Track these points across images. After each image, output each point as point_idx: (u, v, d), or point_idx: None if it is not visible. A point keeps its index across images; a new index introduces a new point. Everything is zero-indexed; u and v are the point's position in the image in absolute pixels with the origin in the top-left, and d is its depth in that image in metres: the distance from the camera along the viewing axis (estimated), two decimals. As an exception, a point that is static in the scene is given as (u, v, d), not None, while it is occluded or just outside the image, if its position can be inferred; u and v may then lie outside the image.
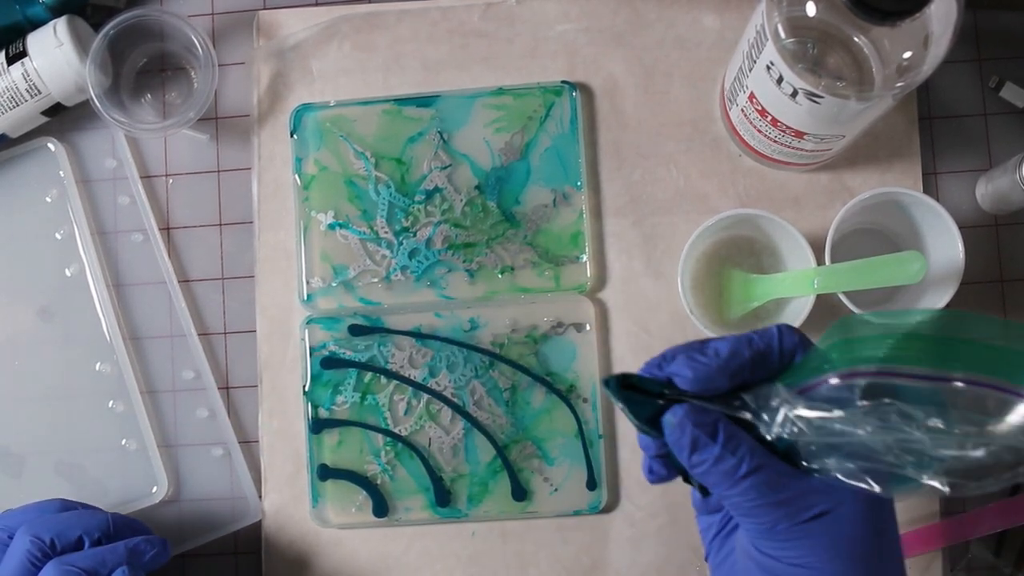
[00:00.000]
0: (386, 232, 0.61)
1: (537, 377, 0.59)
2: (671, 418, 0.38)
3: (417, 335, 0.60)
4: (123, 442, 0.61)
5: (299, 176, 0.62)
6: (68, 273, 0.62)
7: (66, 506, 0.55)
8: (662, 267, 0.60)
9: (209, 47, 0.60)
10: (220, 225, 0.63)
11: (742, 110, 0.54)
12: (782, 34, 0.46)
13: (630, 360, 0.60)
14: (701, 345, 0.39)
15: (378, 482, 0.60)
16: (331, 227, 0.61)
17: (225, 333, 0.62)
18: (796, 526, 0.37)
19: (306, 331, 0.60)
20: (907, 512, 0.58)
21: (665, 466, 0.42)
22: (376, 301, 0.61)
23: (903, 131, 0.60)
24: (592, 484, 0.59)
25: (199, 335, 0.62)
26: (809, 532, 0.37)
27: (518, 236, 0.60)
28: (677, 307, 0.59)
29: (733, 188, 0.60)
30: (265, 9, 0.63)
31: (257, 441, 0.61)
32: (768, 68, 0.48)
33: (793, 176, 0.60)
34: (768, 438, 0.37)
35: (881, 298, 0.59)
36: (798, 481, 0.38)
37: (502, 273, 0.60)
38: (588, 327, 0.60)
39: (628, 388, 0.39)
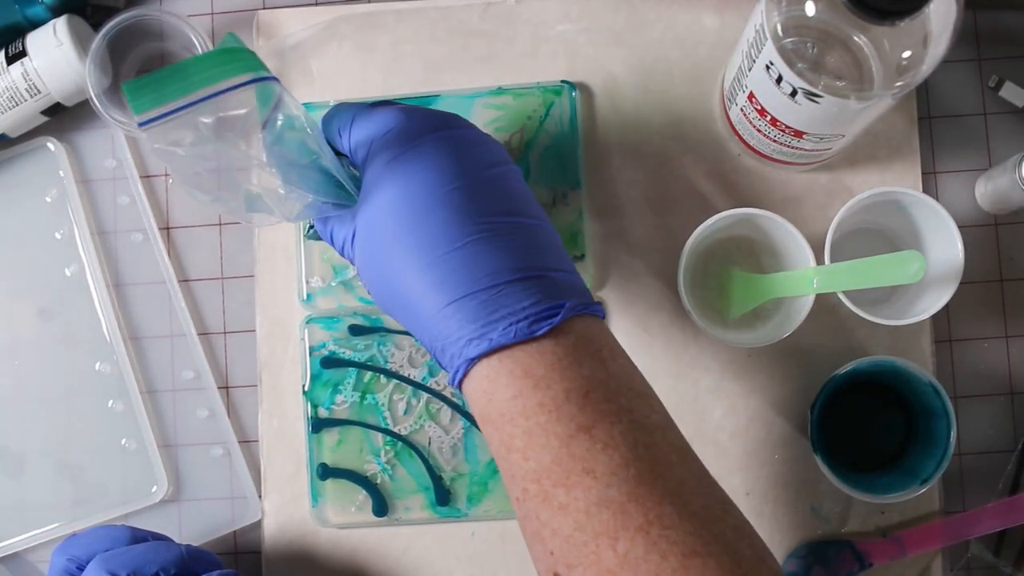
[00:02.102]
0: (386, 232, 0.61)
1: (537, 377, 0.59)
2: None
3: (417, 335, 0.60)
4: (123, 442, 0.61)
5: (299, 176, 0.62)
6: (68, 273, 0.62)
7: (136, 535, 0.54)
8: (662, 267, 0.60)
9: (209, 47, 0.60)
10: (220, 225, 0.63)
11: (742, 110, 0.54)
12: (781, 34, 0.46)
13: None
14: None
15: (378, 482, 0.60)
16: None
17: (225, 333, 0.62)
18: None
19: (306, 331, 0.60)
20: (907, 512, 0.58)
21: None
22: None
23: (903, 131, 0.60)
24: (592, 484, 0.59)
25: (199, 335, 0.62)
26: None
27: (518, 236, 0.60)
28: (677, 307, 0.59)
29: (733, 188, 0.60)
30: (265, 9, 0.63)
31: (257, 441, 0.61)
32: (767, 68, 0.48)
33: (793, 176, 0.60)
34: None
35: (880, 297, 0.59)
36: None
37: (502, 273, 0.60)
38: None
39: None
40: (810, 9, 0.45)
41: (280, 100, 0.40)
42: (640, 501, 0.36)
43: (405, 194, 0.41)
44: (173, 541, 0.55)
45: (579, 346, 0.39)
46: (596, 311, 0.41)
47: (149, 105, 0.37)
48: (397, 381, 0.60)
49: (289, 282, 0.61)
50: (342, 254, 0.46)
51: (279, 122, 0.40)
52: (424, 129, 0.43)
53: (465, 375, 0.41)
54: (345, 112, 0.46)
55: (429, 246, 0.40)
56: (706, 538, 0.36)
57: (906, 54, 0.46)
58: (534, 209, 0.43)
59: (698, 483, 0.38)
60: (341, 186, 0.43)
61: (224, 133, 0.38)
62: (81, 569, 0.51)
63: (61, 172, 0.63)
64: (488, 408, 0.40)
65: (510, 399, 0.39)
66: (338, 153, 0.47)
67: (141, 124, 0.38)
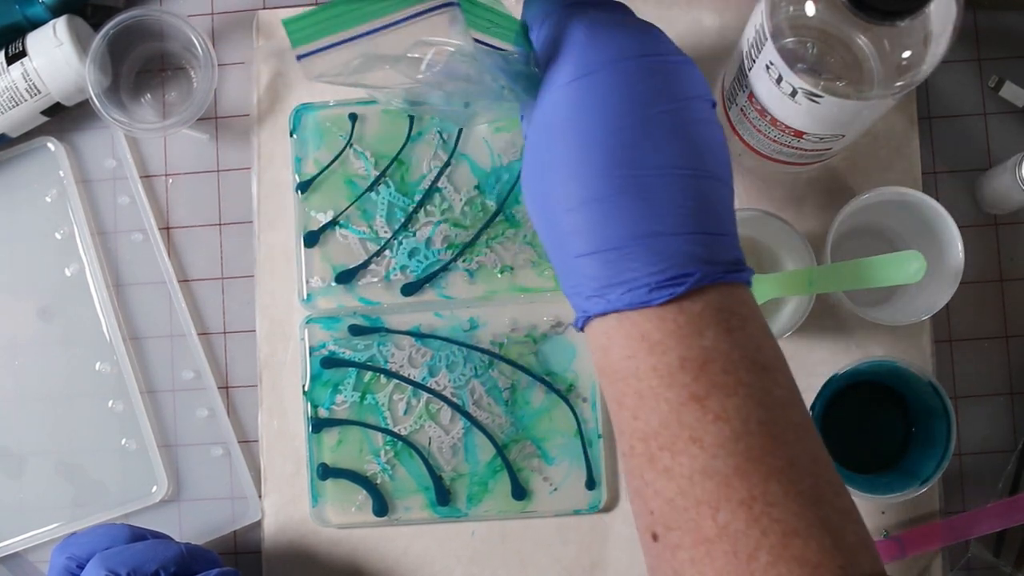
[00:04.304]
0: (385, 232, 0.61)
1: (537, 376, 0.59)
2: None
3: (417, 335, 0.60)
4: (123, 442, 0.61)
5: (299, 176, 0.62)
6: (68, 273, 0.62)
7: (135, 533, 0.54)
8: (662, 267, 0.60)
9: (209, 47, 0.60)
10: (220, 225, 0.63)
11: (742, 110, 0.54)
12: (782, 34, 0.46)
13: (630, 360, 0.60)
14: None
15: (378, 481, 0.60)
16: (330, 227, 0.61)
17: (225, 333, 0.62)
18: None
19: (306, 331, 0.60)
20: (907, 512, 0.58)
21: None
22: (376, 301, 0.61)
23: (903, 131, 0.60)
24: (591, 484, 0.59)
25: (199, 335, 0.62)
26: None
27: (518, 236, 0.60)
28: (677, 307, 0.59)
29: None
30: (265, 9, 0.63)
31: (257, 441, 0.61)
32: (767, 68, 0.48)
33: (793, 176, 0.60)
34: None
35: (881, 298, 0.59)
36: None
37: (502, 272, 0.60)
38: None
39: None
40: (810, 9, 0.45)
41: (450, 27, 0.38)
42: (746, 475, 0.36)
43: (568, 126, 0.39)
44: (172, 539, 0.55)
45: (705, 315, 0.37)
46: (738, 279, 0.39)
47: (307, 39, 0.37)
48: (397, 381, 0.60)
49: (289, 282, 0.61)
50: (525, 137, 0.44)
51: (445, 54, 0.38)
52: (608, 56, 0.39)
53: (584, 325, 0.40)
54: (539, 10, 0.42)
55: (573, 192, 0.38)
56: (810, 519, 0.35)
57: (906, 54, 0.46)
58: (708, 158, 0.39)
59: (811, 463, 0.37)
60: (511, 91, 0.41)
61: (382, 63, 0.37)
62: (81, 568, 0.51)
63: (61, 172, 0.63)
64: (603, 362, 0.39)
65: (625, 358, 0.38)
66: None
67: (299, 57, 0.37)
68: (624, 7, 0.43)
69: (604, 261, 0.38)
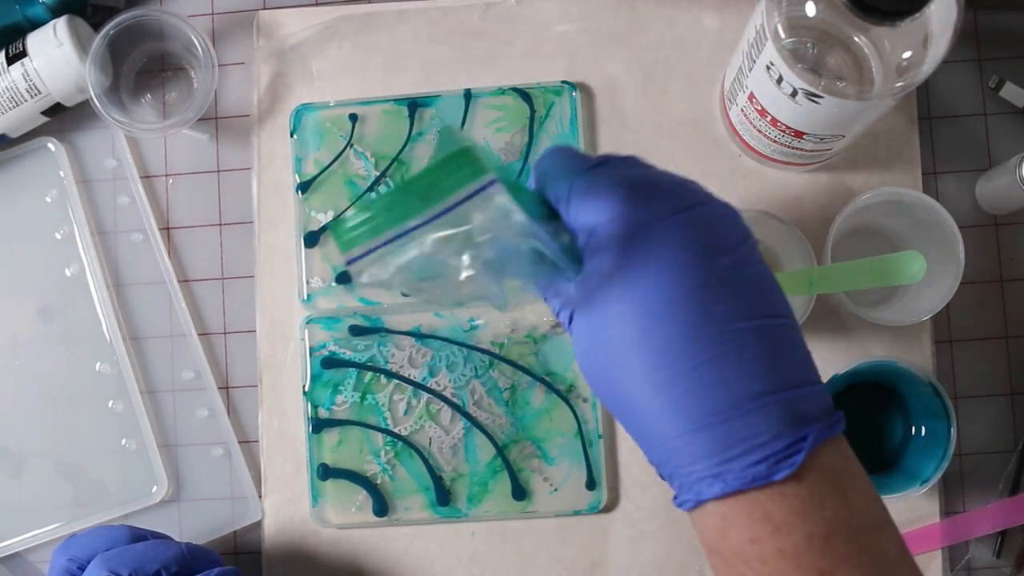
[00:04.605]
0: (386, 232, 0.61)
1: (537, 377, 0.59)
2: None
3: (417, 335, 0.60)
4: (123, 442, 0.61)
5: (299, 176, 0.62)
6: (68, 273, 0.62)
7: (136, 534, 0.54)
8: (662, 267, 0.60)
9: (209, 47, 0.60)
10: (220, 225, 0.63)
11: (742, 110, 0.54)
12: (782, 34, 0.46)
13: (630, 360, 0.60)
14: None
15: (378, 482, 0.60)
16: (331, 227, 0.61)
17: (225, 333, 0.62)
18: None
19: (306, 331, 0.60)
20: (907, 512, 0.58)
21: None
22: (376, 301, 0.61)
23: (903, 131, 0.60)
24: (592, 484, 0.59)
25: (199, 335, 0.62)
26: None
27: (518, 236, 0.60)
28: (677, 307, 0.59)
29: (733, 188, 0.60)
30: (265, 9, 0.63)
31: (257, 441, 0.61)
32: (768, 68, 0.48)
33: (793, 176, 0.60)
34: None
35: (881, 298, 0.59)
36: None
37: (502, 273, 0.60)
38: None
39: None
40: (810, 9, 0.45)
41: (492, 204, 0.35)
42: None
43: (631, 303, 0.36)
44: (173, 539, 0.55)
45: (822, 483, 0.35)
46: (837, 430, 0.37)
47: (355, 244, 0.35)
48: (397, 381, 0.60)
49: (289, 282, 0.61)
50: (557, 317, 0.41)
51: (491, 230, 0.35)
52: (652, 216, 0.36)
53: (695, 507, 0.37)
54: (562, 180, 0.39)
55: (657, 367, 0.35)
56: None
57: (906, 54, 0.46)
58: (776, 301, 0.37)
59: None
60: (556, 266, 0.38)
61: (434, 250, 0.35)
62: (82, 569, 0.51)
63: (61, 172, 0.63)
64: (720, 545, 0.37)
65: (747, 542, 0.36)
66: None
67: (348, 263, 0.35)
68: (642, 161, 0.40)
69: (713, 436, 0.35)
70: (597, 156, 0.41)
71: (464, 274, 0.35)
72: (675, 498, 0.37)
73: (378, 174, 0.61)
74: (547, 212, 0.40)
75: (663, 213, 0.36)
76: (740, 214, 0.39)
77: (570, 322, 0.39)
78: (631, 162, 0.40)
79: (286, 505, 0.60)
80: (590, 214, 0.37)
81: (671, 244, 0.36)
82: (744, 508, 0.35)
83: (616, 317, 0.36)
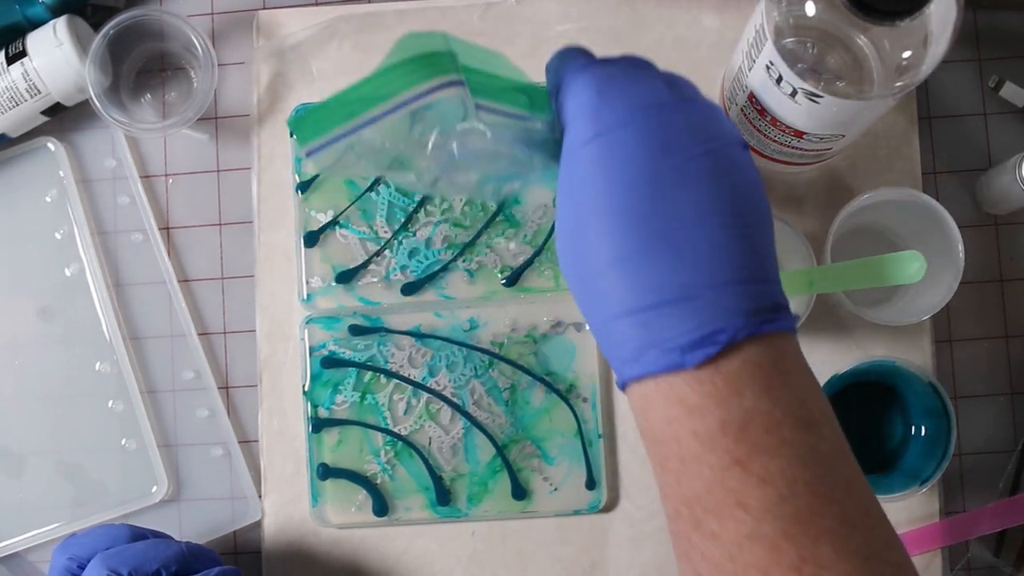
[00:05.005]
0: (385, 232, 0.61)
1: (537, 377, 0.59)
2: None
3: (417, 335, 0.60)
4: (123, 442, 0.61)
5: (299, 176, 0.62)
6: (68, 273, 0.62)
7: (136, 533, 0.54)
8: (662, 267, 0.60)
9: (209, 47, 0.60)
10: (220, 225, 0.63)
11: (742, 110, 0.54)
12: (782, 34, 0.46)
13: (630, 360, 0.60)
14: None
15: (378, 482, 0.60)
16: (330, 227, 0.61)
17: (225, 333, 0.62)
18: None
19: (306, 331, 0.60)
20: (907, 512, 0.58)
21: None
22: (376, 301, 0.61)
23: (903, 131, 0.60)
24: (591, 484, 0.59)
25: (199, 335, 0.62)
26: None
27: (518, 236, 0.60)
28: (677, 307, 0.59)
29: (733, 188, 0.60)
30: (265, 9, 0.63)
31: (257, 441, 0.61)
32: (768, 68, 0.48)
33: (793, 176, 0.60)
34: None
35: (881, 298, 0.59)
36: None
37: (502, 273, 0.60)
38: (588, 326, 0.60)
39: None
40: (810, 9, 0.45)
41: (456, 107, 0.37)
42: (794, 539, 0.35)
43: (591, 185, 0.38)
44: (173, 539, 0.55)
45: (743, 373, 0.36)
46: (780, 327, 0.37)
47: (312, 136, 0.36)
48: (397, 381, 0.60)
49: (289, 282, 0.61)
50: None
51: (453, 133, 0.37)
52: (632, 106, 0.38)
53: (624, 387, 0.39)
54: (559, 72, 0.41)
55: (602, 252, 0.37)
56: None
57: (906, 54, 0.46)
58: (741, 203, 0.38)
59: (863, 518, 0.36)
60: (535, 157, 0.40)
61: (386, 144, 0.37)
62: (82, 568, 0.51)
63: (61, 172, 0.63)
64: (644, 425, 0.38)
65: (664, 422, 0.37)
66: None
67: (308, 153, 0.36)
68: (644, 61, 0.42)
69: (637, 323, 0.36)
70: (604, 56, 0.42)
71: (430, 146, 0.37)
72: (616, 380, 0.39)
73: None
74: (547, 107, 0.42)
75: (634, 106, 0.38)
76: (729, 121, 0.40)
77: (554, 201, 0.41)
78: (624, 62, 0.41)
79: (286, 505, 0.60)
80: (569, 108, 0.40)
81: (634, 135, 0.38)
82: (661, 391, 0.37)
83: (580, 198, 0.38)
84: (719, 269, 0.36)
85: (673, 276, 0.36)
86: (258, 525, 0.60)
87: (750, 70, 0.50)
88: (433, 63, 0.37)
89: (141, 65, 0.64)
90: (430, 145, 0.37)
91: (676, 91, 0.40)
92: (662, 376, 0.36)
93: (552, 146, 0.40)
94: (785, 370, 0.37)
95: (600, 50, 0.61)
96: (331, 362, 0.60)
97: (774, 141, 0.54)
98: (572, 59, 0.42)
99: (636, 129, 0.38)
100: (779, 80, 0.47)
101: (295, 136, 0.37)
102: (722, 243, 0.37)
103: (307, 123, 0.37)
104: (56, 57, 0.59)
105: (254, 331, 0.62)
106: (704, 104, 0.40)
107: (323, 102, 0.37)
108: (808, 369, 0.38)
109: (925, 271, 0.49)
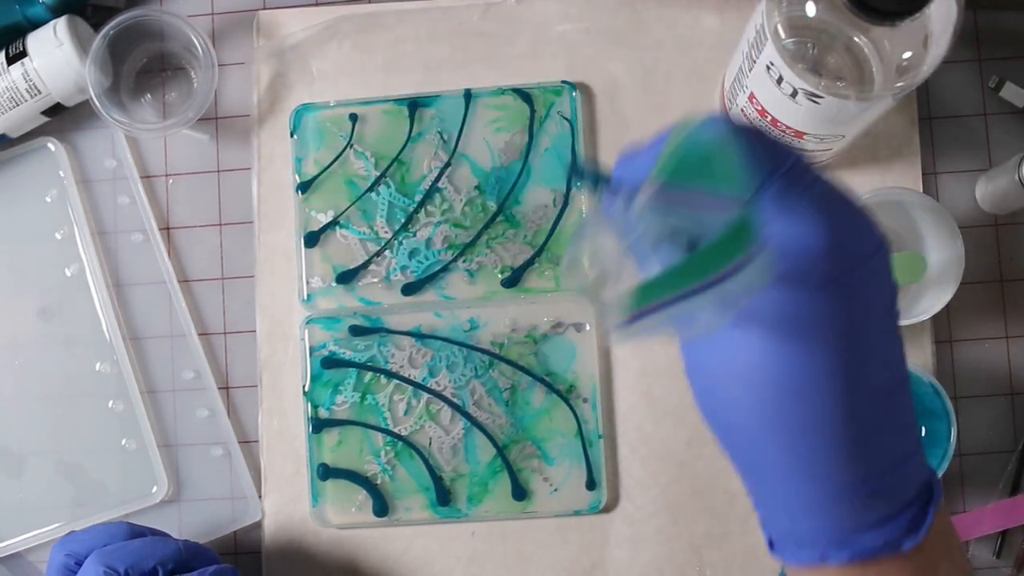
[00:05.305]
0: (386, 232, 0.61)
1: (537, 377, 0.59)
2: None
3: (417, 335, 0.60)
4: (123, 442, 0.61)
5: (299, 176, 0.62)
6: (68, 273, 0.62)
7: (134, 531, 0.54)
8: (662, 267, 0.60)
9: (209, 47, 0.60)
10: (220, 225, 0.63)
11: (742, 110, 0.54)
12: (782, 34, 0.46)
13: (631, 360, 0.60)
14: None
15: (378, 482, 0.60)
16: (331, 227, 0.61)
17: (225, 333, 0.62)
18: None
19: (306, 331, 0.60)
20: (907, 512, 0.58)
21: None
22: (376, 301, 0.61)
23: (903, 131, 0.60)
24: (591, 484, 0.59)
25: (199, 335, 0.62)
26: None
27: (518, 236, 0.60)
28: (677, 307, 0.59)
29: (733, 188, 0.60)
30: (265, 9, 0.63)
31: (257, 441, 0.61)
32: (768, 68, 0.48)
33: (793, 176, 0.60)
34: None
35: (881, 298, 0.59)
36: None
37: (502, 273, 0.60)
38: (588, 327, 0.60)
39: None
40: (810, 9, 0.45)
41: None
42: None
43: (825, 334, 0.32)
44: (171, 536, 0.55)
45: (936, 546, 0.35)
46: (941, 493, 0.36)
47: (641, 303, 0.32)
48: (397, 381, 0.60)
49: (289, 282, 0.61)
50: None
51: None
52: (863, 252, 0.33)
53: (809, 565, 0.36)
54: (751, 172, 0.33)
55: (794, 432, 0.33)
56: None
57: (906, 54, 0.46)
58: (902, 366, 0.35)
59: None
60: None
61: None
62: (79, 565, 0.51)
63: (61, 172, 0.63)
64: None
65: None
66: None
67: (626, 322, 0.32)
68: (824, 175, 0.36)
69: (845, 508, 0.34)
70: (785, 152, 0.35)
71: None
72: (772, 546, 0.36)
73: (378, 174, 0.61)
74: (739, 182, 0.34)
75: (866, 253, 0.33)
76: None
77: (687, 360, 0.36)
78: (825, 183, 0.35)
79: (286, 505, 0.60)
80: (795, 230, 0.32)
81: (869, 286, 0.33)
82: (869, 574, 0.35)
83: (816, 333, 0.33)
84: (905, 442, 0.35)
85: (892, 452, 0.34)
86: (258, 525, 0.60)
87: (750, 70, 0.50)
88: (744, 231, 0.31)
89: (141, 65, 0.64)
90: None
91: (875, 227, 0.35)
92: (870, 561, 0.34)
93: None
94: (954, 533, 0.37)
95: (601, 50, 0.62)
96: (331, 362, 0.60)
97: (774, 141, 0.54)
98: (775, 155, 0.34)
99: (868, 280, 0.33)
100: (779, 80, 0.47)
101: (633, 302, 0.33)
102: (902, 415, 0.35)
103: (646, 292, 0.32)
104: (56, 57, 0.59)
105: (254, 331, 0.62)
106: (884, 238, 0.35)
107: (659, 277, 0.33)
108: (955, 529, 0.38)
109: (925, 271, 0.49)
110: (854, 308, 0.33)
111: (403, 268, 0.61)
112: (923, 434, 0.56)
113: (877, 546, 0.34)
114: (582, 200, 0.60)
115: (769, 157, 0.33)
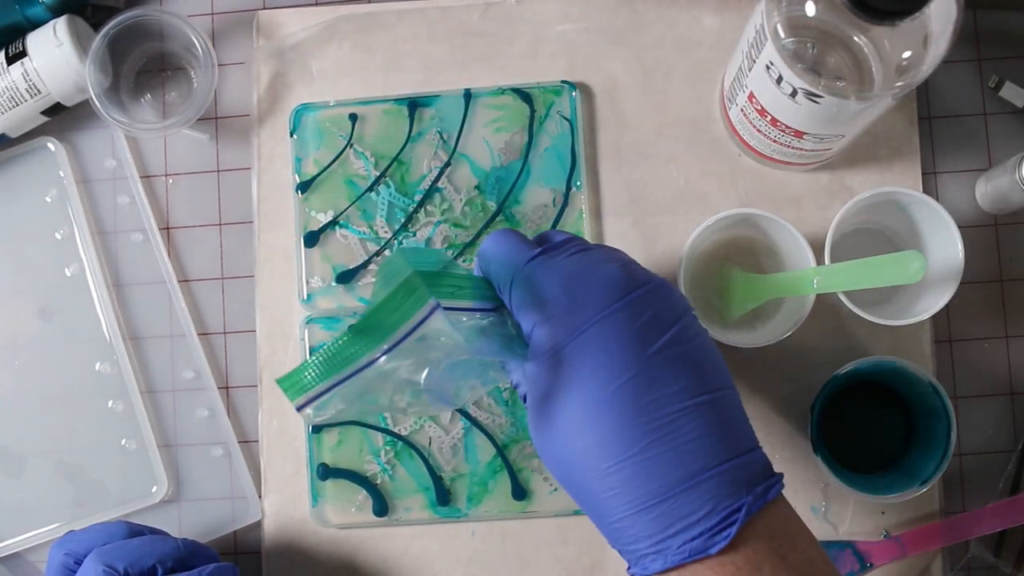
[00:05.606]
0: (386, 232, 0.61)
1: (537, 377, 0.59)
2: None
3: (417, 335, 0.60)
4: (123, 442, 0.61)
5: (299, 176, 0.62)
6: (68, 273, 0.62)
7: (133, 530, 0.54)
8: (662, 267, 0.60)
9: (209, 47, 0.60)
10: (220, 225, 0.63)
11: (742, 110, 0.54)
12: (782, 34, 0.46)
13: (630, 360, 0.60)
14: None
15: (378, 482, 0.60)
16: (331, 227, 0.61)
17: (225, 333, 0.62)
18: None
19: (306, 331, 0.60)
20: (907, 512, 0.58)
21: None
22: (376, 301, 0.61)
23: (903, 131, 0.60)
24: (592, 484, 0.59)
25: (199, 335, 0.62)
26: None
27: (518, 236, 0.60)
28: (677, 307, 0.59)
29: (733, 188, 0.60)
30: (265, 9, 0.63)
31: (257, 441, 0.61)
32: (768, 68, 0.48)
33: (793, 176, 0.60)
34: None
35: (880, 298, 0.59)
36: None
37: (502, 273, 0.60)
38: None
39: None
40: (810, 9, 0.45)
41: (428, 331, 0.37)
42: None
43: (570, 400, 0.38)
44: (170, 535, 0.55)
45: (759, 548, 0.37)
46: (774, 494, 0.38)
47: (302, 390, 0.37)
48: (397, 381, 0.60)
49: (289, 282, 0.61)
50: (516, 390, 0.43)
51: (427, 351, 0.37)
52: (585, 316, 0.38)
53: None
54: (503, 271, 0.42)
55: (598, 457, 0.38)
56: None
57: (906, 54, 0.46)
58: (711, 373, 0.39)
59: None
60: (500, 365, 0.41)
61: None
62: (79, 564, 0.51)
63: (61, 172, 0.63)
64: None
65: None
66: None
67: (298, 408, 0.37)
68: (582, 240, 0.42)
69: (651, 517, 0.37)
70: (537, 240, 0.43)
71: (423, 385, 0.37)
72: (628, 569, 0.40)
73: (378, 174, 0.61)
74: (494, 295, 0.42)
75: (596, 309, 0.38)
76: (674, 287, 0.41)
77: (525, 400, 0.41)
78: (569, 246, 0.42)
79: (286, 505, 0.60)
80: (528, 312, 0.40)
81: (604, 342, 0.38)
82: None
83: (559, 412, 0.39)
84: (716, 450, 0.37)
85: (678, 465, 0.37)
86: (258, 525, 0.60)
87: (750, 70, 0.50)
88: (408, 293, 0.36)
89: (141, 65, 0.64)
90: (423, 377, 0.37)
91: (633, 275, 0.40)
92: (687, 566, 0.37)
93: (514, 341, 0.40)
94: (792, 535, 0.38)
95: (601, 50, 0.62)
96: (331, 362, 0.60)
97: (774, 141, 0.54)
98: (516, 249, 0.42)
99: (611, 328, 0.38)
100: (779, 80, 0.47)
101: (286, 392, 0.38)
102: (712, 421, 0.38)
103: (295, 380, 0.38)
104: (56, 57, 0.59)
105: (254, 331, 0.62)
106: (657, 282, 0.40)
107: (308, 361, 0.37)
108: (801, 521, 0.40)
109: (925, 271, 0.49)
110: (573, 372, 0.38)
111: (403, 268, 0.61)
112: (923, 433, 0.57)
113: (683, 553, 0.37)
114: (582, 200, 0.60)
115: (506, 266, 0.42)
